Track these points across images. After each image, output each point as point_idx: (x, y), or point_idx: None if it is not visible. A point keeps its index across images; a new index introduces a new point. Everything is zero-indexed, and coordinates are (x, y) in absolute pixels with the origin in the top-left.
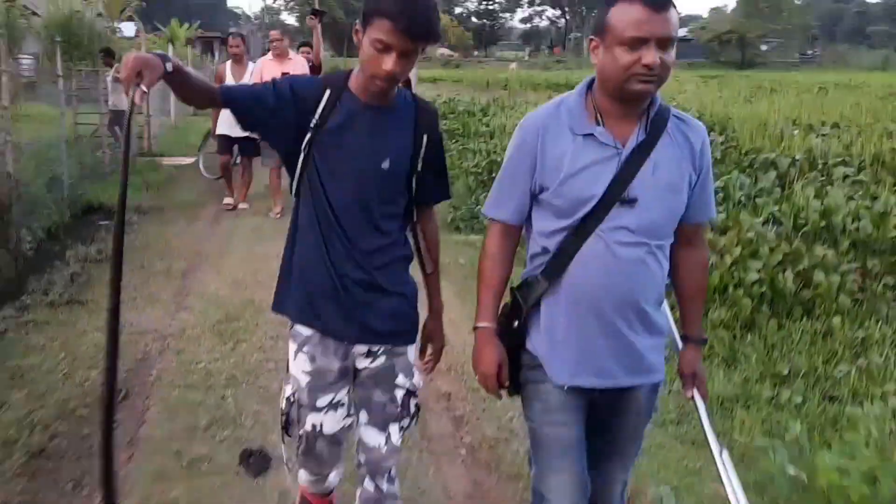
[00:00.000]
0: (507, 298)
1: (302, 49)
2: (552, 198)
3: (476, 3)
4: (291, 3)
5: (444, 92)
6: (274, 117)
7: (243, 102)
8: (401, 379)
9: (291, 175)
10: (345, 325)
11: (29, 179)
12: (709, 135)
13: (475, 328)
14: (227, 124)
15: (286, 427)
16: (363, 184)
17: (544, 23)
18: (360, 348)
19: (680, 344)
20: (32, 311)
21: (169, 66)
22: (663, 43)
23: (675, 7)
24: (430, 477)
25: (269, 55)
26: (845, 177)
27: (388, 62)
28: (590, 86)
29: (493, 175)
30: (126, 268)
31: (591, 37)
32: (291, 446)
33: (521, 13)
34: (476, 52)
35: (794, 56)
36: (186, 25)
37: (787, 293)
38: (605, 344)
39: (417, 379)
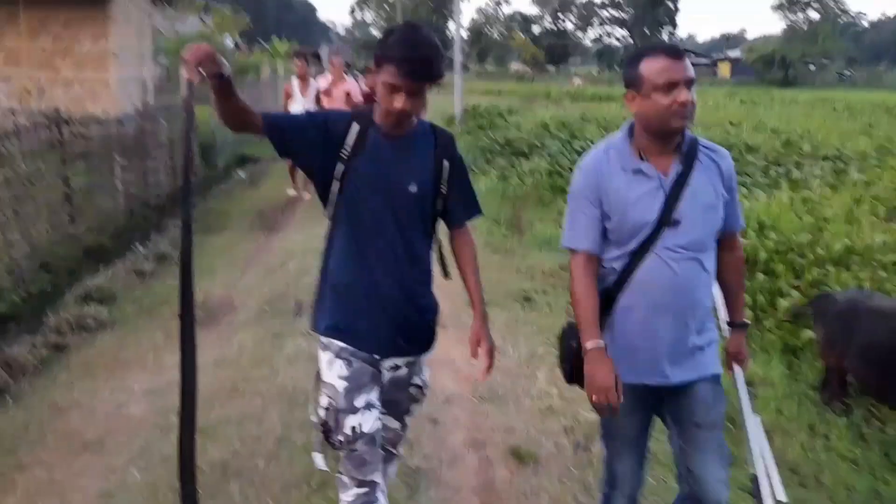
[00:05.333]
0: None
1: (368, 71)
2: (616, 226)
3: (550, 22)
4: (379, 20)
5: (490, 100)
6: (308, 148)
7: (283, 132)
8: (415, 379)
9: (324, 200)
10: (378, 342)
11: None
12: None
13: (586, 350)
14: None
15: (327, 437)
16: (395, 207)
17: (615, 41)
18: (388, 362)
19: (727, 330)
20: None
21: (226, 72)
22: (689, 83)
23: (687, 57)
24: None
25: (327, 75)
26: None
27: (399, 101)
28: (631, 130)
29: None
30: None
31: (627, 91)
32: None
33: (592, 33)
34: (549, 68)
35: (832, 76)
36: (285, 41)
37: None
38: (668, 345)
39: (426, 374)
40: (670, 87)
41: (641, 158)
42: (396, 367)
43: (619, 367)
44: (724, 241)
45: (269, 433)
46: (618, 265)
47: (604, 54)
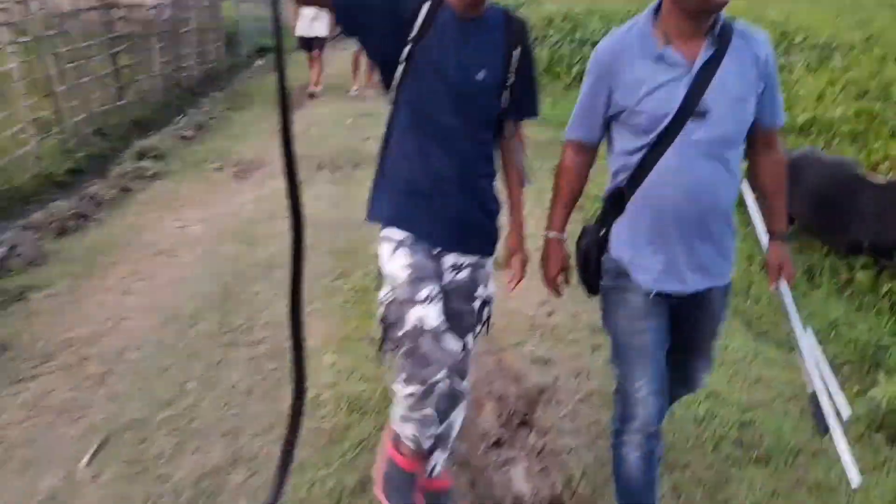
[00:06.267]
0: (595, 208)
1: None
2: (631, 117)
3: None
4: None
5: None
6: (375, 24)
7: (350, 6)
8: (480, 290)
9: (387, 82)
10: (440, 232)
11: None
12: None
13: (545, 236)
14: (303, 28)
15: (386, 332)
16: (460, 93)
17: None
18: (449, 259)
19: (765, 239)
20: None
21: None
22: None
23: None
24: None
25: None
26: None
27: None
28: (656, 11)
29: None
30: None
31: None
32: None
33: None
34: None
35: None
36: None
37: None
38: (685, 251)
39: (492, 288)
40: None
41: (667, 43)
42: (458, 269)
43: (636, 271)
44: (760, 139)
45: None
46: (633, 160)
47: None
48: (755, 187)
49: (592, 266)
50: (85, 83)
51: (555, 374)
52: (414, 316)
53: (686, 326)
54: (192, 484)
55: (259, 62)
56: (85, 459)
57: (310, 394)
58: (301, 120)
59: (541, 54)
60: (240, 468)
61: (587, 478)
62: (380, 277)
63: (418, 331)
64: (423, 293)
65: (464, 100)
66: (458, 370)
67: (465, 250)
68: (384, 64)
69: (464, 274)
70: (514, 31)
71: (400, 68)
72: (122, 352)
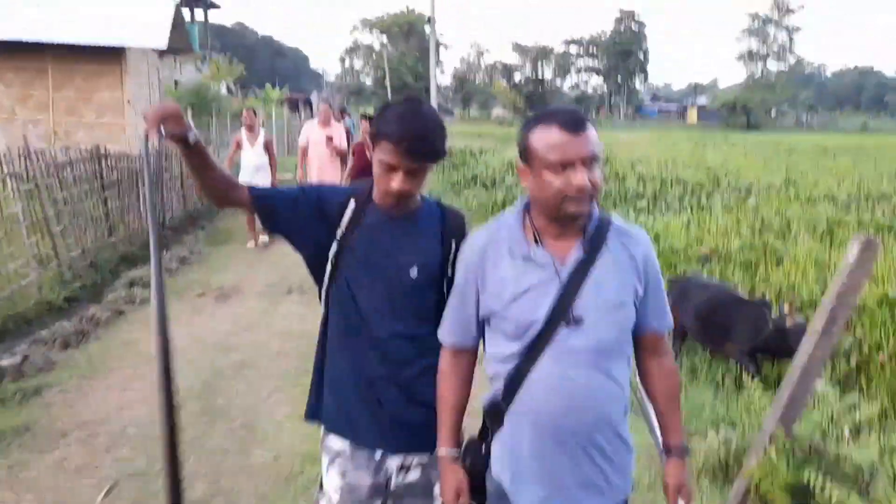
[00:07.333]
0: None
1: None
2: (499, 322)
3: (530, 71)
4: (367, 68)
5: (470, 142)
6: (300, 225)
7: (273, 209)
8: (437, 490)
9: (319, 284)
10: (378, 436)
11: None
12: None
13: (438, 456)
14: (245, 179)
15: None
16: (393, 293)
17: (590, 89)
18: (394, 462)
19: (663, 455)
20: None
21: (192, 137)
22: (588, 162)
23: (592, 127)
24: None
25: (315, 119)
26: None
27: (395, 181)
28: (527, 206)
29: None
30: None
31: (519, 164)
32: None
33: (570, 80)
34: (529, 113)
35: (790, 121)
36: (278, 89)
37: None
38: (570, 470)
39: None
40: (564, 166)
41: (537, 241)
42: (407, 469)
43: (515, 494)
44: (646, 344)
45: (271, 348)
46: (505, 370)
47: (581, 101)
48: (648, 396)
49: (478, 486)
50: (79, 223)
51: None
52: None
53: None
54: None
55: None
56: (99, 498)
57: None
58: (275, 251)
59: (496, 195)
60: (218, 499)
61: None
62: (320, 485)
63: None
64: None
65: (397, 297)
66: None
67: (410, 450)
68: (312, 262)
69: (415, 474)
70: (451, 225)
71: (328, 268)
72: (124, 428)
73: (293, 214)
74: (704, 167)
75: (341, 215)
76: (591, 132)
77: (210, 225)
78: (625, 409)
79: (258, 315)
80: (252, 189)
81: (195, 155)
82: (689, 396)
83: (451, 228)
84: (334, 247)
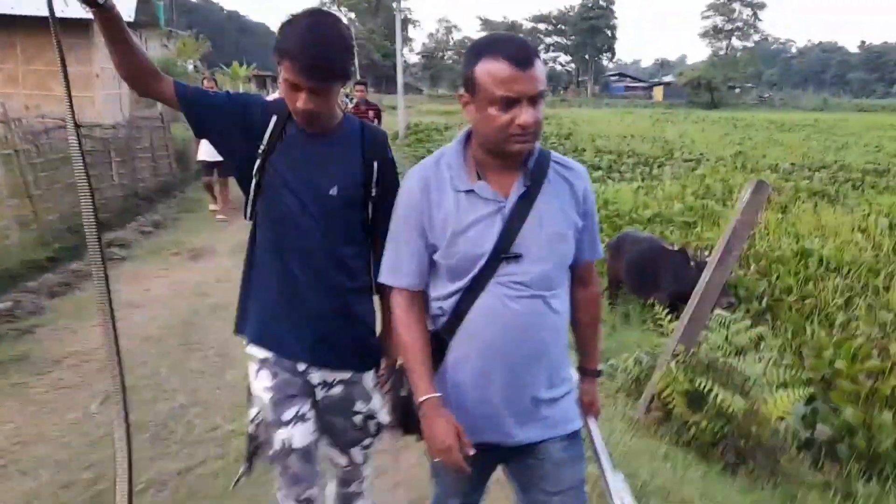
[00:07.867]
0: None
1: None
2: (443, 258)
3: None
4: None
5: (438, 119)
6: (226, 129)
7: (199, 107)
8: (359, 405)
9: (246, 196)
10: (303, 349)
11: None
12: None
13: (419, 403)
14: (206, 153)
15: (256, 451)
16: (314, 210)
17: (560, 67)
18: (316, 376)
19: (576, 376)
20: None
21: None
22: (535, 99)
23: (540, 60)
24: None
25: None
26: None
27: (300, 100)
28: (468, 138)
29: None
30: None
31: (460, 92)
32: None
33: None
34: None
35: (753, 98)
36: (245, 66)
37: None
38: (510, 400)
39: (376, 402)
40: (510, 102)
41: (479, 176)
42: (329, 385)
43: (456, 419)
44: (576, 274)
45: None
46: (448, 305)
47: (550, 78)
48: (571, 322)
49: (407, 406)
50: (57, 188)
51: None
52: (280, 437)
53: (530, 484)
54: (169, 410)
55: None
56: (94, 405)
57: None
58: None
59: None
60: (196, 408)
61: None
62: (248, 394)
63: (286, 451)
64: (289, 414)
65: (319, 215)
66: (348, 481)
67: (333, 366)
68: (238, 173)
69: (337, 390)
70: (371, 143)
71: (252, 182)
72: None
73: (220, 118)
74: (662, 141)
75: (264, 130)
76: (539, 66)
77: (181, 195)
78: (565, 342)
79: (230, 269)
80: (178, 84)
81: (110, 23)
82: (621, 335)
83: (372, 147)
84: (257, 161)
